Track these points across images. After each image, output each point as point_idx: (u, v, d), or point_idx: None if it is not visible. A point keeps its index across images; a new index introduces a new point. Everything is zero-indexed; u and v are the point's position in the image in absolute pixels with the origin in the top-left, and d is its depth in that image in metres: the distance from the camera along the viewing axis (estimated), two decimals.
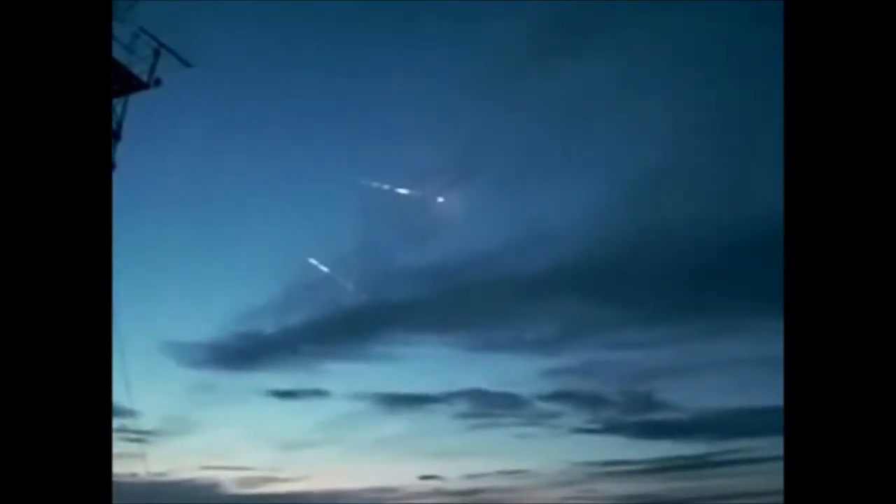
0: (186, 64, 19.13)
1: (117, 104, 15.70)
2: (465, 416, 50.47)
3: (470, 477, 48.47)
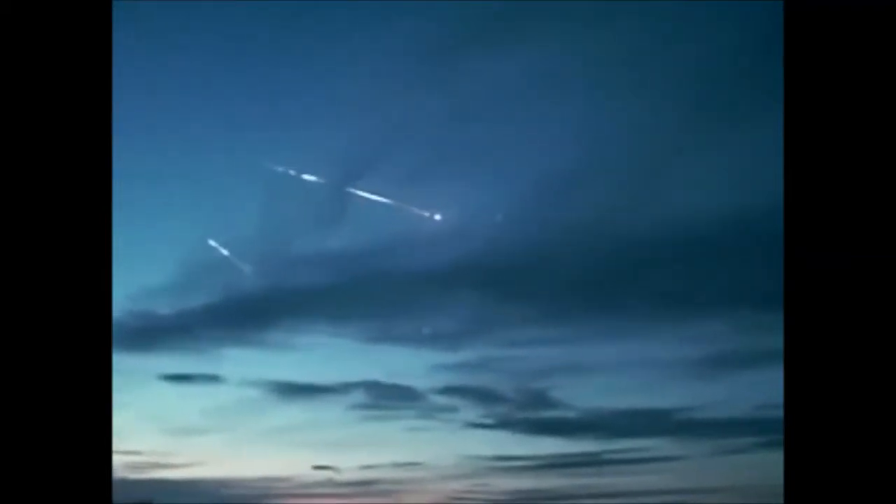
0: None
1: None
2: (360, 407, 51.17)
3: (363, 468, 49.09)
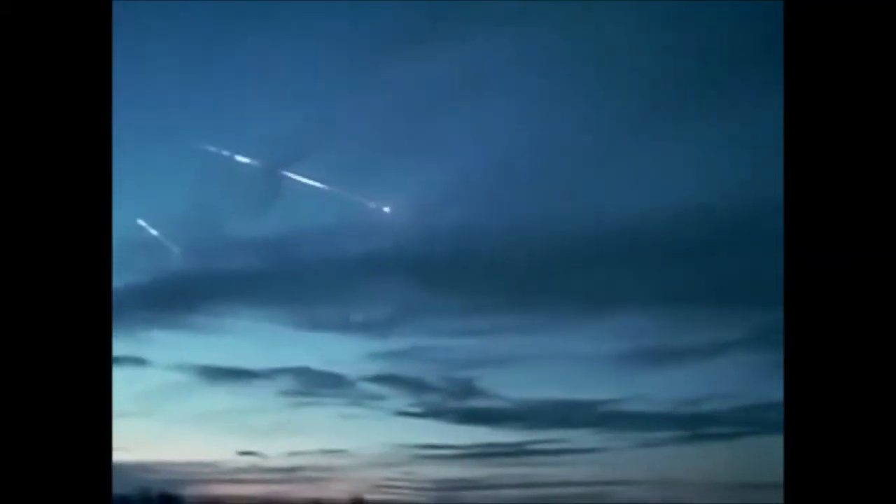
0: None
1: None
2: (288, 393, 50.85)
3: (290, 454, 48.79)
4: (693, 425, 47.47)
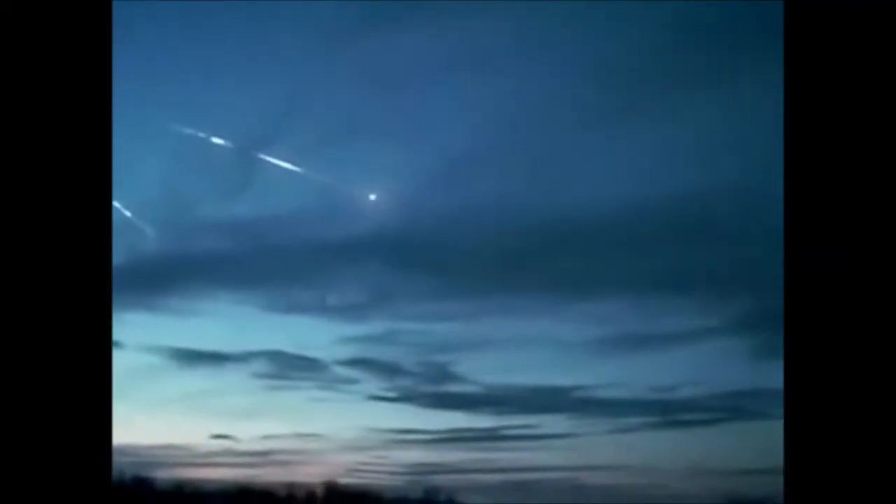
0: None
1: None
2: (261, 376, 50.22)
3: (263, 438, 48.30)
4: (667, 411, 47.45)
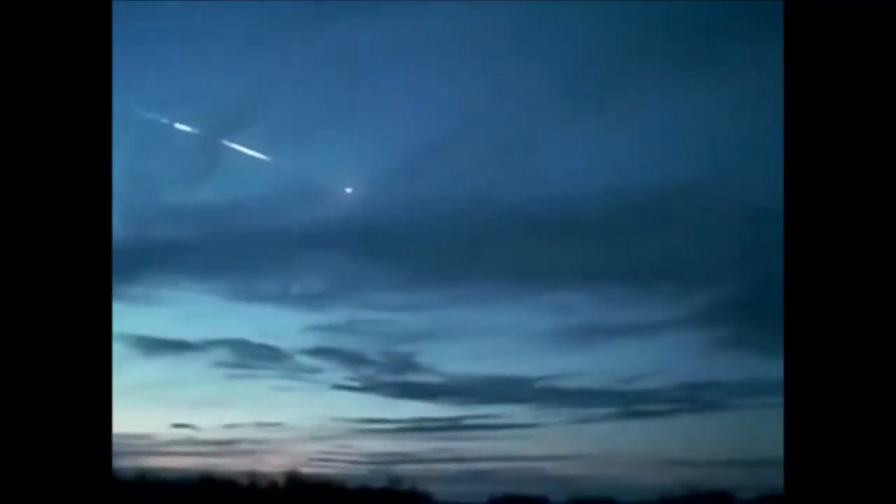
0: None
1: None
2: (223, 365, 50.15)
3: (225, 427, 48.17)
4: (629, 402, 47.52)
